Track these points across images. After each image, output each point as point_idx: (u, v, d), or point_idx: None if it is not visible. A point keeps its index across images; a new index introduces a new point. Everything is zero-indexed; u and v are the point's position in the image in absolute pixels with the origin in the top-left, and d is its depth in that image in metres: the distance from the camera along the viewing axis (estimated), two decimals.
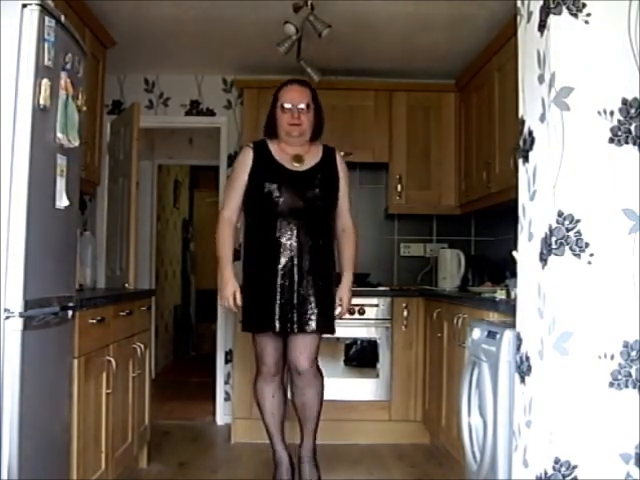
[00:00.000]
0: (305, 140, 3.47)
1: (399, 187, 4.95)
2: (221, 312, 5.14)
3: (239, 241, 4.19)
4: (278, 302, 3.35)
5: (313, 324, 3.37)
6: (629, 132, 2.25)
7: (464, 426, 2.99)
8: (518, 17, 2.59)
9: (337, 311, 3.52)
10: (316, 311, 3.38)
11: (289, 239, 3.37)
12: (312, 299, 3.38)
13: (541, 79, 2.34)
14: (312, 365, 3.47)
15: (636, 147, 2.25)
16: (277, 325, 3.36)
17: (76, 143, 2.50)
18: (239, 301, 3.42)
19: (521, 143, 2.53)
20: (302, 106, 3.41)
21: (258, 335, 3.49)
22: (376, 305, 4.62)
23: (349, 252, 3.58)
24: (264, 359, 3.53)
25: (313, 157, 3.50)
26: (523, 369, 2.44)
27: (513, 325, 2.60)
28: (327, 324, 3.45)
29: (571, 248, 2.24)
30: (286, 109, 3.41)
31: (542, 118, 2.33)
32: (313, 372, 3.48)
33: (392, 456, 4.33)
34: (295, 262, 3.36)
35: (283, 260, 3.36)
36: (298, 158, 3.46)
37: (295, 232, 3.38)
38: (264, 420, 3.61)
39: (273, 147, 3.48)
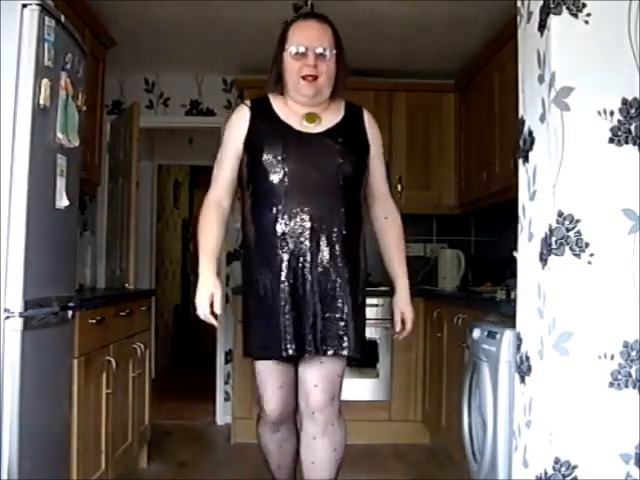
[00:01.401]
0: (323, 100, 2.51)
1: (399, 187, 4.95)
2: (221, 311, 5.12)
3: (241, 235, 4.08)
4: (283, 317, 2.40)
5: (334, 345, 2.41)
6: (629, 132, 2.25)
7: (464, 426, 2.99)
8: (518, 17, 2.59)
9: (397, 330, 2.63)
10: (339, 327, 2.41)
11: (299, 228, 2.42)
12: (343, 312, 2.43)
13: (541, 79, 2.34)
14: (330, 404, 2.44)
15: (636, 147, 2.25)
16: (285, 348, 2.39)
17: (76, 143, 2.50)
18: (218, 309, 2.41)
19: (521, 143, 2.53)
20: (321, 50, 2.42)
21: (258, 363, 2.55)
22: (376, 305, 4.61)
23: (398, 247, 2.62)
24: (264, 401, 2.57)
25: (332, 115, 2.53)
26: (523, 369, 2.44)
27: (513, 325, 2.60)
28: (356, 345, 2.43)
29: (571, 248, 2.24)
30: (298, 54, 2.42)
31: (542, 118, 2.33)
32: (331, 415, 2.44)
33: (392, 456, 4.33)
34: (308, 260, 2.42)
35: (287, 257, 2.42)
36: (311, 117, 2.50)
37: (307, 218, 2.42)
38: (269, 468, 2.75)
39: (277, 104, 2.54)
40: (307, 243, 2.42)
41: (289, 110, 2.51)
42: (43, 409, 2.37)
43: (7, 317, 2.14)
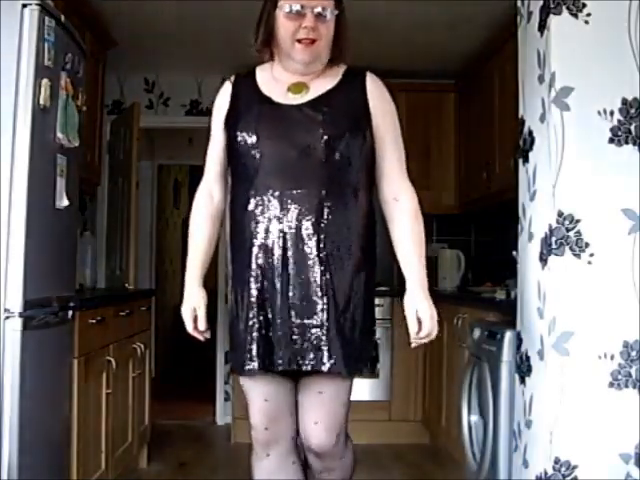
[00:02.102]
0: (319, 68, 2.10)
1: None
2: (222, 311, 5.13)
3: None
4: (245, 323, 2.02)
5: (311, 359, 1.97)
6: (629, 132, 2.25)
7: (464, 426, 2.99)
8: (518, 17, 2.60)
9: (413, 333, 2.02)
10: (317, 336, 1.97)
11: (273, 217, 2.00)
12: (322, 319, 1.97)
13: (541, 79, 2.34)
14: (336, 442, 2.08)
15: (636, 147, 2.25)
16: (246, 362, 2.00)
17: (76, 143, 2.50)
18: (201, 325, 2.09)
19: (521, 143, 2.53)
20: (320, 9, 2.02)
21: (242, 379, 2.12)
22: (376, 305, 4.61)
23: (409, 236, 2.07)
24: (249, 415, 2.15)
25: (324, 83, 2.10)
26: (523, 369, 2.44)
27: (513, 325, 2.60)
28: (347, 359, 1.98)
29: (571, 248, 2.24)
30: (293, 13, 2.01)
31: (542, 118, 2.33)
32: (338, 452, 2.14)
33: (392, 456, 4.32)
34: (277, 256, 2.00)
35: (256, 252, 2.02)
36: (297, 87, 2.08)
37: (283, 205, 1.99)
38: None
39: (263, 75, 2.17)
40: (282, 238, 1.99)
41: (275, 81, 2.11)
42: (43, 409, 2.37)
43: (7, 317, 2.14)
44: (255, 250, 2.01)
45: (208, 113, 5.28)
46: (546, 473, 2.25)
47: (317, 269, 1.97)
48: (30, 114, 2.18)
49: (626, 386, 2.24)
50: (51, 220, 2.39)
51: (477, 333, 2.98)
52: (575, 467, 2.23)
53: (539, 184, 2.37)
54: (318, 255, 1.97)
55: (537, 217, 2.38)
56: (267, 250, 2.00)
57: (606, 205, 2.26)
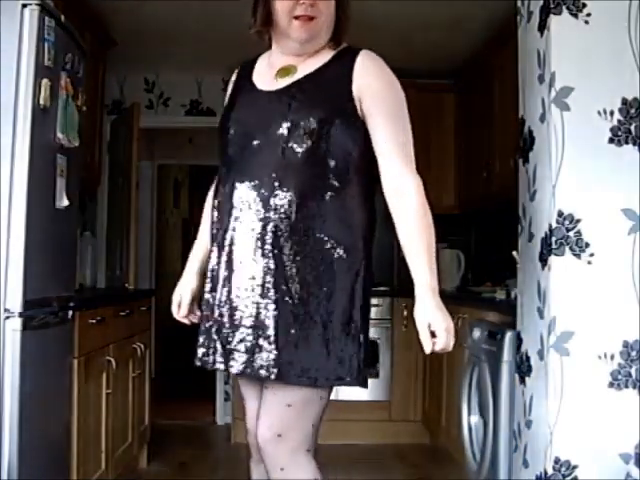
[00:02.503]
0: (317, 48, 1.92)
1: None
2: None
3: None
4: (202, 318, 1.95)
5: (244, 361, 1.79)
6: (629, 132, 2.25)
7: (464, 426, 3.00)
8: (518, 17, 2.60)
9: (427, 348, 1.71)
10: (250, 335, 1.79)
11: (227, 208, 1.86)
12: (260, 317, 1.78)
13: (541, 79, 2.34)
14: (276, 442, 1.82)
15: (636, 147, 2.25)
16: (196, 356, 1.90)
17: (76, 143, 2.50)
18: (180, 312, 2.12)
19: (521, 143, 2.53)
20: None
21: (239, 381, 2.06)
22: (376, 305, 4.61)
23: (415, 236, 1.83)
24: (247, 427, 2.08)
25: (314, 64, 1.91)
26: (523, 369, 2.44)
27: (513, 325, 2.60)
28: (288, 367, 1.76)
29: (571, 248, 2.24)
30: None
31: (542, 118, 2.33)
32: (278, 457, 1.84)
33: (392, 456, 4.32)
34: (225, 253, 1.85)
35: (215, 249, 1.91)
36: (285, 70, 1.92)
37: (228, 201, 1.85)
38: None
39: (262, 62, 2.04)
40: (228, 234, 1.84)
41: (269, 67, 1.97)
42: (43, 409, 2.37)
43: (7, 317, 2.14)
44: (215, 249, 1.90)
45: (208, 113, 5.30)
46: (546, 473, 2.25)
47: (260, 267, 1.80)
48: (30, 114, 2.18)
49: (626, 386, 2.24)
50: (51, 220, 2.39)
51: (477, 333, 2.98)
52: (575, 467, 2.23)
53: (539, 184, 2.37)
54: (262, 247, 1.79)
55: (537, 217, 2.38)
56: (220, 246, 1.87)
57: (606, 205, 2.26)
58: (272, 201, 1.79)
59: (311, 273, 1.78)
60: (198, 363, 1.90)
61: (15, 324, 2.15)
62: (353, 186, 1.84)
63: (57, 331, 2.45)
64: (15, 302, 2.15)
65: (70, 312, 2.55)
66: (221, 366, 1.84)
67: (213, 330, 1.86)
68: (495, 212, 4.56)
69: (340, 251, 1.81)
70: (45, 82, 2.23)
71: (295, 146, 1.80)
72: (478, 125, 4.54)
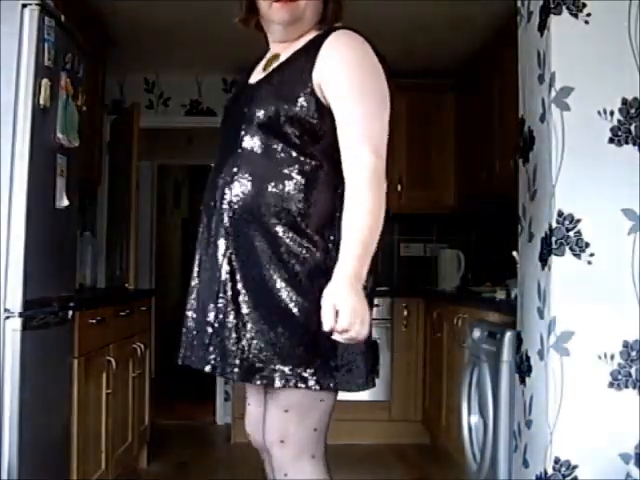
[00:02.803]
0: (304, 31, 1.82)
1: (399, 187, 4.95)
2: None
3: None
4: (189, 317, 1.87)
5: (199, 357, 1.79)
6: (629, 132, 2.25)
7: (464, 426, 3.00)
8: (518, 17, 2.60)
9: (327, 326, 1.58)
10: (207, 334, 1.76)
11: (212, 205, 1.80)
12: (239, 316, 1.71)
13: (541, 79, 2.34)
14: (280, 447, 1.78)
15: (636, 147, 2.26)
16: (180, 356, 1.87)
17: (76, 143, 2.50)
18: None
19: (521, 143, 2.53)
20: None
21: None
22: (376, 305, 4.55)
23: (346, 217, 1.65)
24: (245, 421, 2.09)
25: (292, 51, 1.82)
26: (523, 369, 2.44)
27: (513, 325, 2.60)
28: (244, 365, 1.72)
29: (571, 248, 2.24)
30: None
31: (542, 118, 2.33)
32: (282, 461, 1.79)
33: (392, 456, 4.32)
34: (202, 247, 1.83)
35: (199, 243, 1.86)
36: (270, 61, 1.85)
37: (219, 191, 1.78)
38: None
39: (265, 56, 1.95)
40: (205, 230, 1.82)
41: (264, 59, 1.90)
42: (43, 409, 2.37)
43: (7, 317, 2.14)
44: (198, 248, 1.86)
45: (208, 113, 5.31)
46: (546, 473, 2.25)
47: (216, 264, 1.76)
48: (30, 114, 2.18)
49: (626, 386, 2.24)
50: (51, 220, 2.39)
51: (477, 333, 2.98)
52: (575, 467, 2.23)
53: (539, 184, 2.37)
54: (222, 243, 1.75)
55: (537, 217, 2.38)
56: (201, 240, 1.84)
57: (606, 205, 2.26)
58: (231, 188, 1.74)
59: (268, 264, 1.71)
60: (179, 361, 1.87)
61: (15, 324, 2.15)
62: (317, 178, 1.74)
63: (57, 331, 2.45)
64: (15, 302, 2.15)
65: (70, 312, 2.55)
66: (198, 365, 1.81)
67: (191, 327, 1.84)
68: (495, 212, 4.56)
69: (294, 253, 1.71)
70: (45, 82, 2.23)
71: (248, 138, 1.74)
72: (478, 125, 4.54)
